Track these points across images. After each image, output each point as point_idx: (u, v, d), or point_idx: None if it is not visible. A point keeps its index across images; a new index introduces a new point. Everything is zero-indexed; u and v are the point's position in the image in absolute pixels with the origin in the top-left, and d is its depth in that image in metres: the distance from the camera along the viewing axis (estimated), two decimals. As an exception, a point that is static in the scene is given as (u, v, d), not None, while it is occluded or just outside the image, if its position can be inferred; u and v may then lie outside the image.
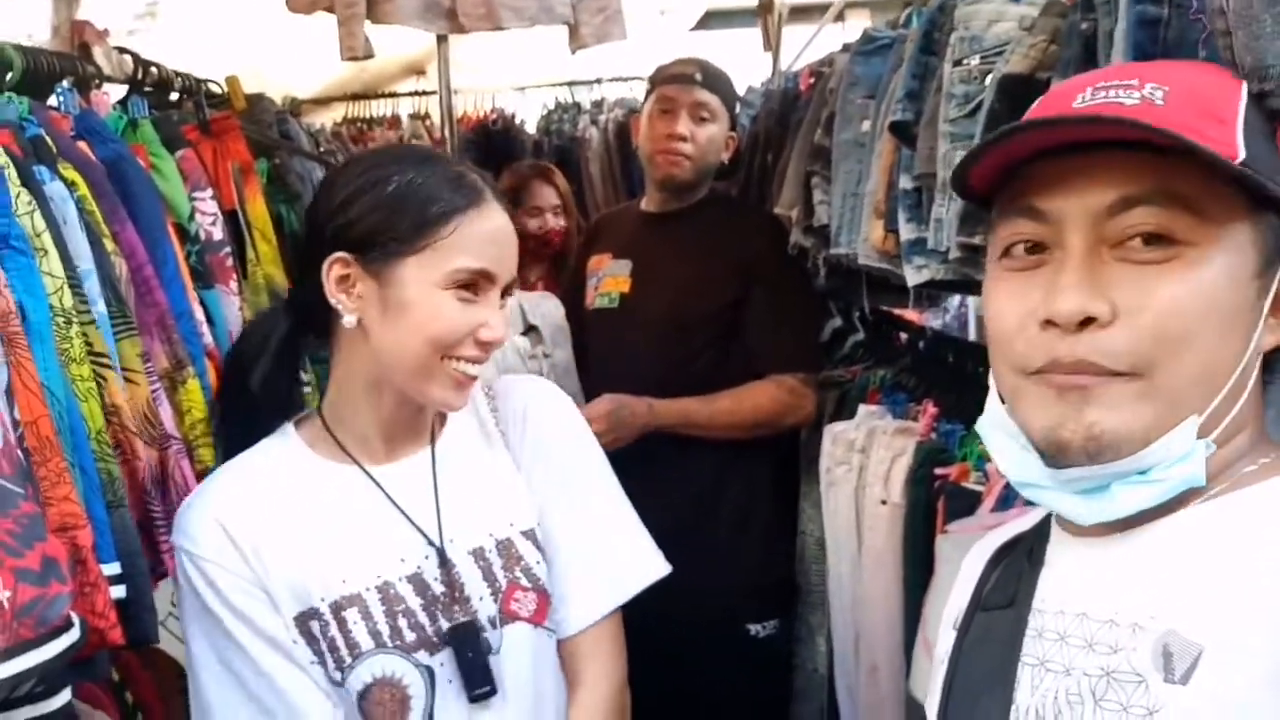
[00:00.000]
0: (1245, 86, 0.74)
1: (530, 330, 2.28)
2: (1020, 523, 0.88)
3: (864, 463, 2.02)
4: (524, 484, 1.19)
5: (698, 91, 2.24)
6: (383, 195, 1.08)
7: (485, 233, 1.10)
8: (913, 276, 1.66)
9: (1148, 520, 0.71)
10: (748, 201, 2.74)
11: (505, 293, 1.14)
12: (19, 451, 0.89)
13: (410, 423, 1.17)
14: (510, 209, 1.17)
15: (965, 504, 1.70)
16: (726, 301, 2.20)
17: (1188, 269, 0.67)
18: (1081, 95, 0.72)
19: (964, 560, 0.92)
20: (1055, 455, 0.70)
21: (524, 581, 1.15)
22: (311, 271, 1.10)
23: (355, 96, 4.39)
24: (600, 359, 2.31)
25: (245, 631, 1.07)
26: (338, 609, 1.09)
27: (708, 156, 2.27)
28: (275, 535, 1.10)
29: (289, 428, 1.18)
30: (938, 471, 1.82)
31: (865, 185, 1.89)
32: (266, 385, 1.15)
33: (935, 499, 1.79)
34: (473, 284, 1.09)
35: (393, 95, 4.44)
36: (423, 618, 1.11)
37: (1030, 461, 0.73)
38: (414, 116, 4.35)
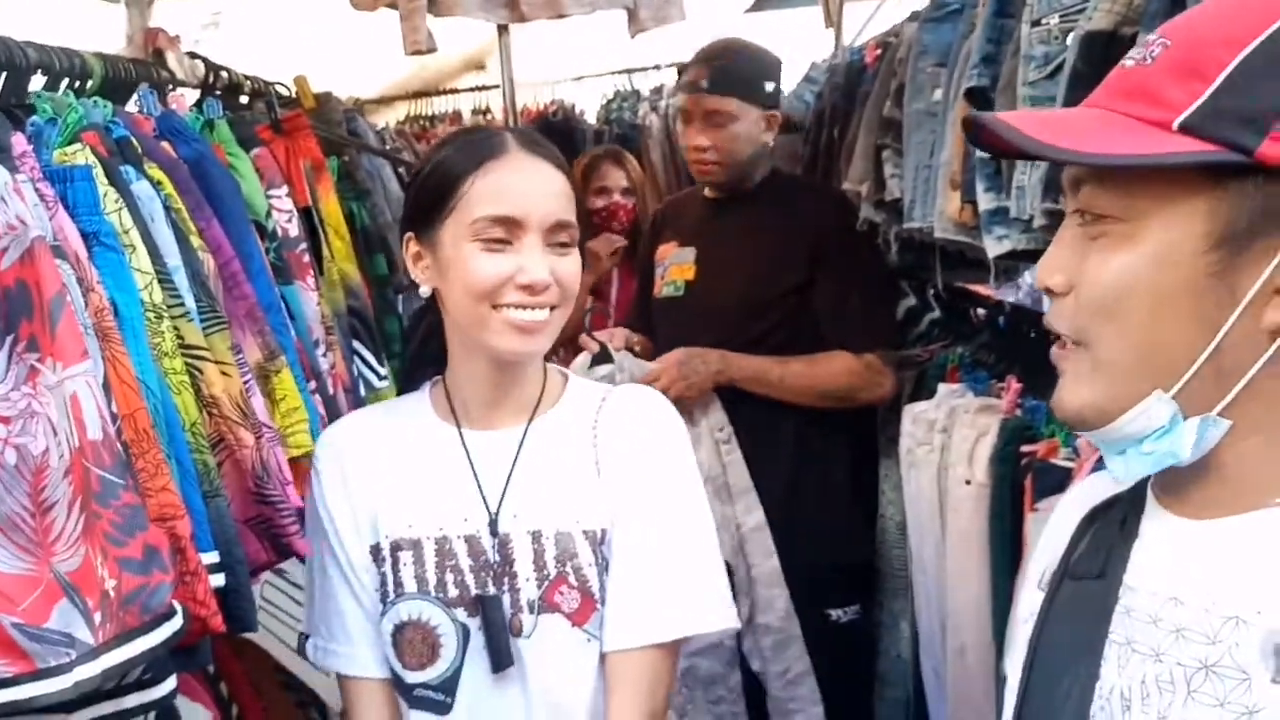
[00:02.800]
0: None
1: None
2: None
3: (946, 443, 1.98)
4: (599, 487, 1.19)
5: (706, 100, 2.22)
6: (426, 172, 1.18)
7: (506, 181, 1.13)
8: (993, 247, 1.61)
9: (1243, 509, 0.69)
10: (813, 179, 2.71)
11: (561, 243, 1.15)
12: (118, 444, 0.91)
13: (505, 391, 1.20)
14: (566, 171, 1.19)
15: (1055, 480, 1.65)
16: (792, 284, 2.17)
17: (1114, 244, 0.68)
18: (1131, 52, 0.72)
19: (1056, 509, 0.89)
20: None
21: (572, 579, 1.16)
22: None
23: (417, 95, 4.43)
24: (668, 347, 2.30)
25: (331, 535, 1.19)
26: (396, 548, 1.16)
27: (736, 155, 2.24)
28: (372, 472, 1.19)
29: (427, 385, 1.27)
30: (1024, 449, 1.77)
31: (939, 156, 1.84)
32: (413, 368, 1.29)
33: (1022, 477, 1.74)
34: (501, 232, 1.12)
35: (453, 91, 4.47)
36: (469, 578, 1.15)
37: None
38: (475, 111, 4.38)
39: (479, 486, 1.18)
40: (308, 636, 1.24)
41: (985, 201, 1.60)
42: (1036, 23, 1.42)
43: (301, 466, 1.26)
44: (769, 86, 2.27)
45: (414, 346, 1.31)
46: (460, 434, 1.20)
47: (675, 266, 2.35)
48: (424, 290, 1.18)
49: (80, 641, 0.87)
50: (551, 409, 1.23)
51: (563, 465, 1.20)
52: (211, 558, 1.03)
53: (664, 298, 2.35)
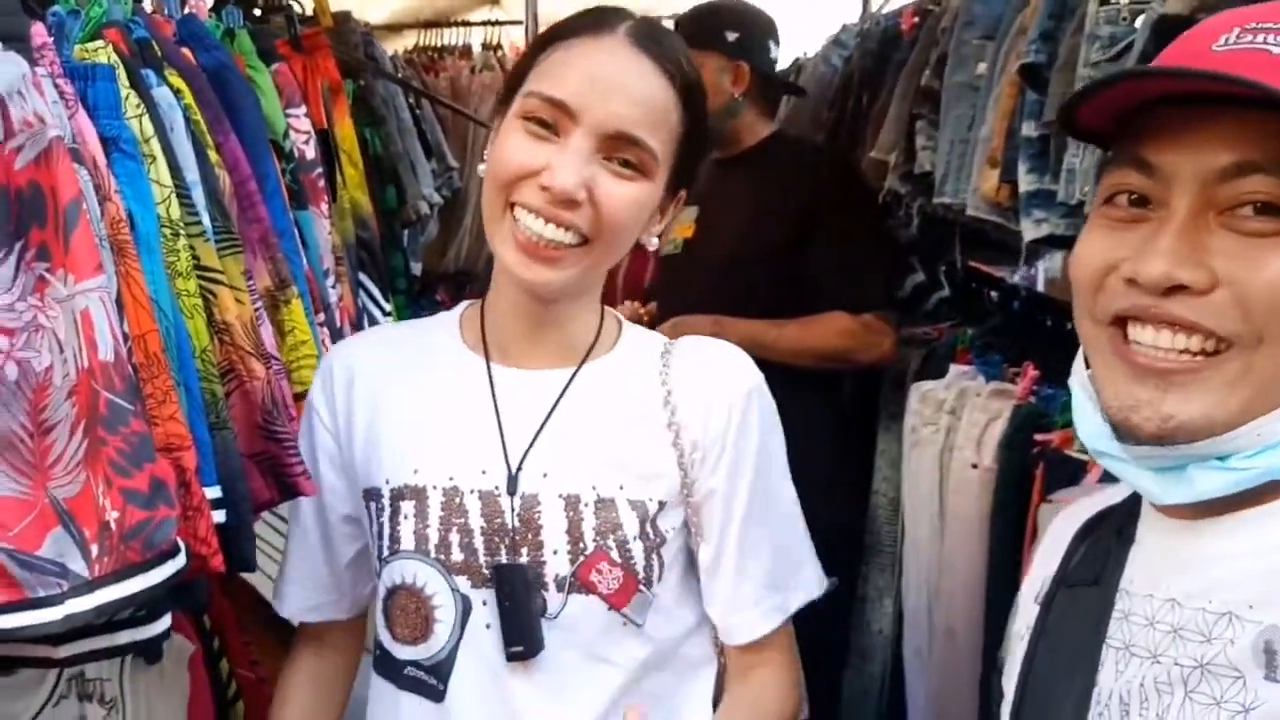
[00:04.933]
0: None
1: None
2: (1111, 494, 0.83)
3: (953, 424, 1.95)
4: (669, 454, 1.02)
5: None
6: (533, 41, 1.01)
7: (582, 63, 0.93)
8: (1030, 230, 1.57)
9: (1246, 505, 0.67)
10: (816, 141, 2.67)
11: (624, 161, 0.94)
12: (129, 367, 0.86)
13: (548, 327, 1.03)
14: (682, 84, 0.97)
15: (1067, 472, 1.63)
16: (780, 241, 2.13)
17: None
18: (1226, 36, 0.66)
19: (1049, 529, 0.88)
20: (1125, 433, 0.67)
21: (615, 555, 0.99)
22: None
23: (428, 24, 4.29)
24: (664, 304, 2.28)
25: (308, 466, 1.07)
26: (397, 497, 1.00)
27: None
28: (377, 404, 1.04)
29: (460, 306, 1.10)
30: (1037, 437, 1.74)
31: (978, 131, 1.79)
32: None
33: (1033, 465, 1.72)
34: (549, 117, 0.93)
35: (466, 24, 4.33)
36: (479, 542, 0.98)
37: (1105, 430, 0.69)
38: (486, 46, 4.25)
39: (501, 434, 1.01)
40: None
41: (1027, 182, 1.56)
42: (1105, 2, 1.36)
43: (303, 404, 1.19)
44: (731, 35, 2.19)
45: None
46: (489, 369, 1.03)
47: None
48: (482, 169, 0.99)
49: (74, 573, 0.82)
50: (606, 355, 1.06)
51: (618, 422, 1.02)
52: (214, 492, 0.97)
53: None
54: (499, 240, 0.95)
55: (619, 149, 0.94)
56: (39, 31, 0.91)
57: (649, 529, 1.01)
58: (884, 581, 2.35)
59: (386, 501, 1.01)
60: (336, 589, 1.10)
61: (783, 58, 3.77)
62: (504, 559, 0.98)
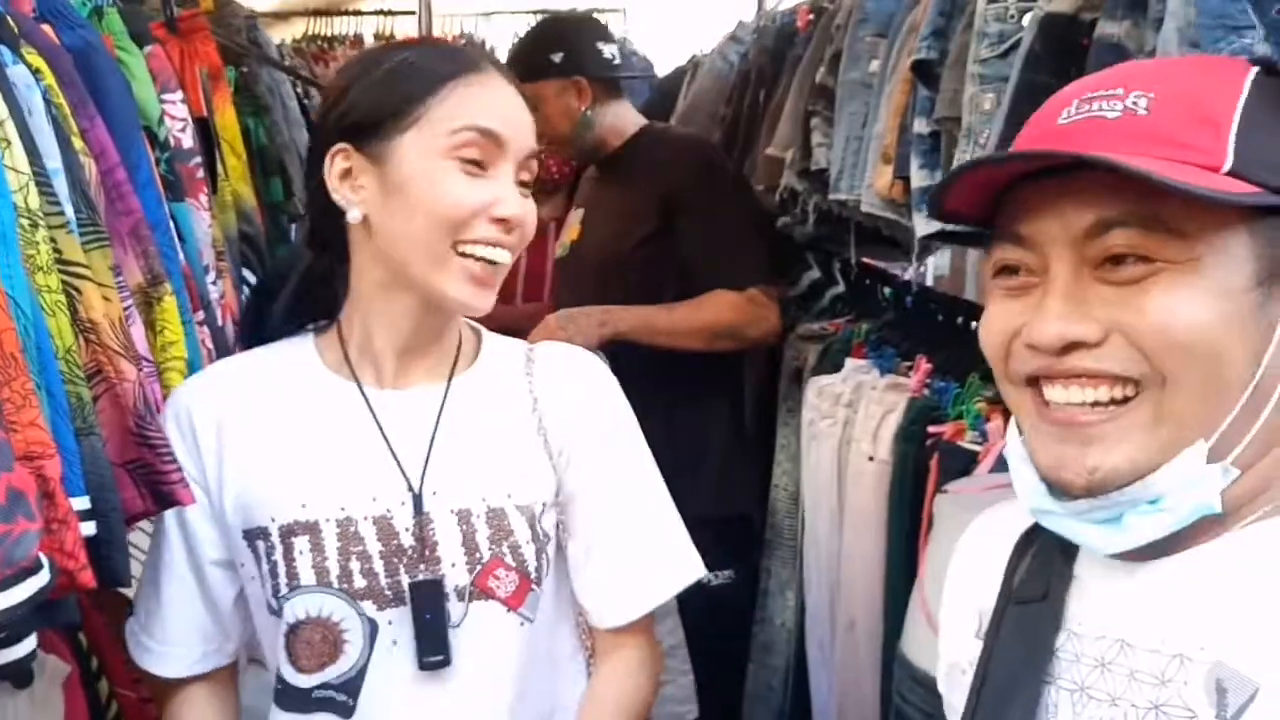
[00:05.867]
0: (1253, 74, 0.69)
1: None
2: (1008, 493, 0.82)
3: (850, 417, 1.98)
4: (542, 457, 1.08)
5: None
6: (378, 75, 1.02)
7: (488, 97, 1.00)
8: (922, 226, 1.59)
9: (1188, 544, 0.69)
10: (675, 129, 2.74)
11: (527, 183, 1.03)
12: (-18, 369, 0.78)
13: (426, 344, 1.06)
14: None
15: (960, 463, 1.66)
16: (644, 235, 2.17)
17: (1173, 282, 0.66)
18: (1067, 110, 0.71)
19: (961, 554, 0.88)
20: (1059, 491, 0.70)
21: (509, 559, 1.04)
22: (317, 174, 1.02)
23: (317, 12, 4.18)
24: (560, 305, 2.28)
25: (174, 524, 1.06)
26: (288, 534, 1.01)
27: (556, 133, 2.25)
28: (244, 441, 1.04)
29: (309, 332, 1.11)
30: (931, 429, 1.77)
31: (872, 128, 1.82)
32: (287, 321, 1.10)
33: (928, 457, 1.75)
34: (480, 153, 0.98)
35: (357, 13, 4.23)
36: (379, 566, 1.01)
37: (1042, 489, 0.72)
38: (378, 36, 4.16)
39: (395, 458, 1.03)
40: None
41: (919, 178, 1.58)
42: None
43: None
44: (557, 57, 2.24)
45: (291, 295, 1.09)
46: (363, 393, 1.05)
47: (567, 228, 2.39)
48: (353, 216, 1.00)
49: (-77, 593, 0.75)
50: (470, 367, 1.09)
51: (495, 431, 1.07)
52: (82, 503, 0.90)
53: (557, 258, 2.40)
54: (446, 275, 0.99)
55: (524, 170, 1.02)
56: (-127, 3, 0.83)
57: (537, 530, 1.06)
58: (786, 575, 2.37)
59: (276, 539, 1.01)
60: (222, 635, 1.09)
61: (680, 54, 3.81)
62: (404, 578, 1.01)
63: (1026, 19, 1.33)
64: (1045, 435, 0.70)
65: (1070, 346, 0.67)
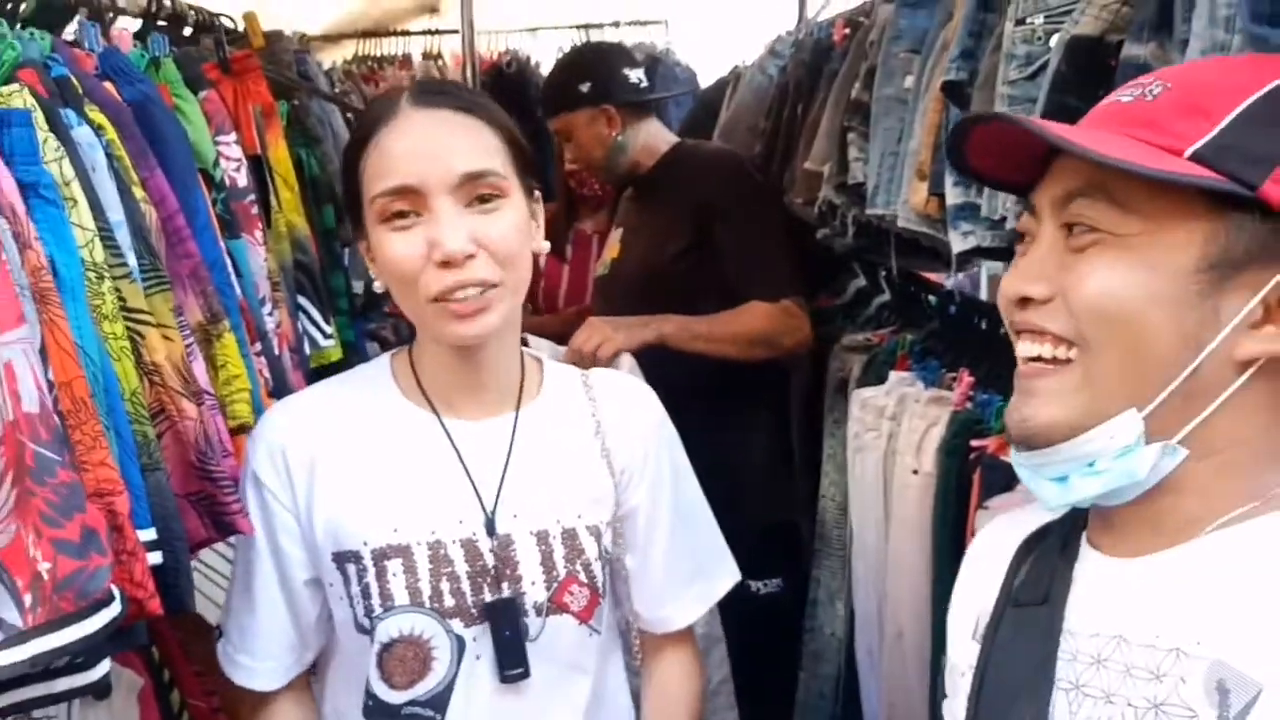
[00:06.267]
0: None
1: None
2: (1035, 507, 0.85)
3: (894, 430, 1.99)
4: (606, 479, 1.15)
5: (550, 125, 2.41)
6: (343, 162, 1.09)
7: (395, 149, 0.99)
8: (958, 243, 1.60)
9: (1178, 540, 0.71)
10: (709, 144, 2.81)
11: (482, 197, 1.00)
12: (55, 417, 0.85)
13: (483, 379, 1.10)
14: (485, 113, 1.04)
15: (1002, 478, 1.66)
16: (679, 249, 2.22)
17: (1107, 255, 0.70)
18: (1109, 97, 0.77)
19: (969, 559, 0.91)
20: (1011, 440, 0.76)
21: (582, 576, 1.11)
22: None
23: (366, 34, 4.27)
24: None
25: (263, 540, 1.10)
26: (381, 557, 1.06)
27: (590, 160, 2.38)
28: (336, 471, 1.08)
29: (385, 359, 1.16)
30: (974, 443, 1.78)
31: (907, 144, 1.83)
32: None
33: (970, 470, 1.75)
34: (403, 205, 0.99)
35: (405, 33, 4.32)
36: (466, 586, 1.07)
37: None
38: (427, 56, 4.24)
39: (473, 484, 1.09)
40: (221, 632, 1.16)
41: (953, 196, 1.59)
42: (1021, 21, 1.40)
43: (239, 440, 1.19)
44: (584, 87, 2.31)
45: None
46: (443, 424, 1.10)
47: (608, 247, 2.46)
48: (378, 286, 1.06)
49: (8, 624, 0.82)
50: (536, 396, 1.15)
51: (563, 456, 1.13)
52: (149, 535, 0.97)
53: (597, 277, 2.47)
54: (432, 326, 1.03)
55: (474, 188, 1.00)
56: (-48, 80, 0.90)
57: (604, 548, 1.14)
58: (835, 584, 2.38)
59: (369, 562, 1.06)
60: (303, 645, 1.15)
61: (723, 64, 3.83)
62: (487, 596, 1.07)
63: (1053, 41, 1.34)
64: (1016, 389, 0.76)
65: (1023, 301, 0.74)
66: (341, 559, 1.08)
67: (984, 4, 1.55)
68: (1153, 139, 0.69)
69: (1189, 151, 0.68)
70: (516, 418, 1.12)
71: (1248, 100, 0.69)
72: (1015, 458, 0.77)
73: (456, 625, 1.07)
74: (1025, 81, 1.38)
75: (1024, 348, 0.75)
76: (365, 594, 1.06)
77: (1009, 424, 0.76)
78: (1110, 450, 0.70)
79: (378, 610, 1.06)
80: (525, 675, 1.08)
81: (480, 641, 1.07)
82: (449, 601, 1.06)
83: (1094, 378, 0.71)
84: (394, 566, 1.05)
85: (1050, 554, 0.80)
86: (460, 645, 1.07)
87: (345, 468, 1.08)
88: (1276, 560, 0.67)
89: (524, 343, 2.05)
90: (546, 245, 1.10)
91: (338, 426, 1.10)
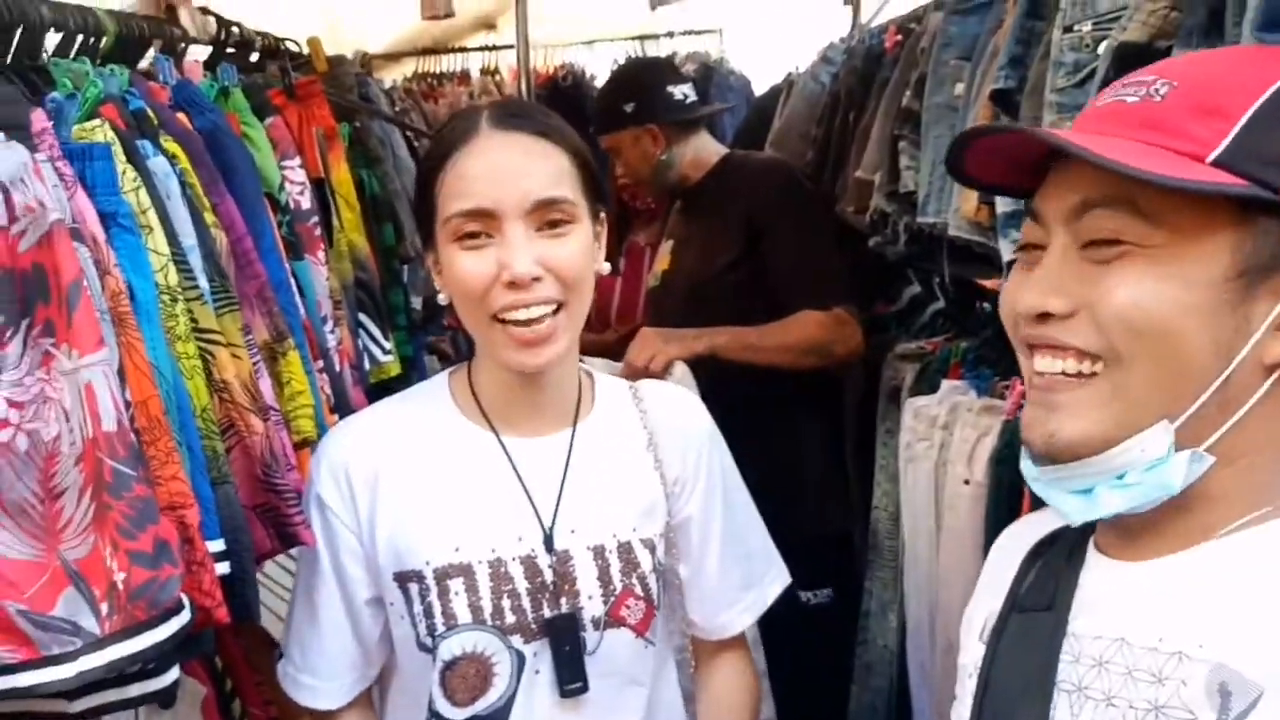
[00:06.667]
0: None
1: None
2: (1053, 517, 0.85)
3: (946, 439, 1.98)
4: (659, 490, 1.16)
5: (602, 143, 2.44)
6: (419, 175, 1.10)
7: (472, 171, 1.02)
8: (1007, 250, 1.60)
9: (1190, 544, 0.71)
10: (757, 154, 2.79)
11: (553, 222, 1.03)
12: (132, 435, 0.90)
13: (542, 396, 1.12)
14: (561, 139, 1.06)
15: (1055, 487, 1.65)
16: (730, 260, 2.24)
17: (1136, 267, 0.68)
18: (1105, 96, 0.74)
19: (987, 562, 0.91)
20: (1030, 454, 0.74)
21: (638, 590, 1.12)
22: None
23: (426, 51, 4.36)
24: None
25: (326, 560, 1.11)
26: (444, 576, 1.07)
27: (638, 177, 2.43)
28: (397, 491, 1.09)
29: (443, 378, 1.17)
30: (1026, 452, 1.77)
31: (958, 153, 1.83)
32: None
33: (1022, 481, 1.74)
34: (477, 226, 1.01)
35: (463, 50, 4.40)
36: (526, 602, 1.08)
37: (1026, 455, 0.76)
38: (484, 72, 4.31)
39: (531, 501, 1.10)
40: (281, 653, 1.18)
41: (1003, 203, 1.59)
42: (1069, 29, 1.39)
43: (303, 454, 1.25)
44: (629, 107, 2.35)
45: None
46: (501, 442, 1.11)
47: (659, 259, 2.49)
48: (441, 299, 1.09)
49: (86, 631, 0.87)
50: (591, 412, 1.17)
51: (617, 470, 1.15)
52: (217, 546, 1.02)
53: (649, 289, 2.50)
54: (494, 347, 1.05)
55: (546, 214, 1.02)
56: (38, 118, 0.96)
57: (658, 560, 1.15)
58: (888, 596, 2.37)
59: (431, 582, 1.07)
60: (366, 663, 1.17)
61: (778, 71, 3.84)
62: (546, 612, 1.08)
63: (1101, 48, 1.34)
64: (1030, 400, 0.75)
65: (1043, 316, 0.72)
66: (404, 578, 1.09)
67: (1033, 11, 1.55)
68: (1170, 144, 0.68)
69: (1211, 158, 0.67)
70: (573, 434, 1.13)
71: (1260, 100, 0.67)
72: (1030, 472, 0.76)
73: (516, 641, 1.08)
74: (1074, 89, 1.38)
75: (1043, 363, 0.73)
76: (428, 613, 1.07)
77: (1030, 439, 0.73)
78: (1141, 462, 0.69)
79: (440, 629, 1.07)
80: (584, 689, 1.08)
81: (540, 656, 1.09)
82: (510, 618, 1.07)
83: (1124, 390, 0.69)
84: (456, 585, 1.06)
85: (1057, 559, 0.80)
86: (520, 660, 1.08)
87: (407, 487, 1.10)
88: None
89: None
90: (607, 267, 1.12)
91: (399, 445, 1.11)
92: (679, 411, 1.22)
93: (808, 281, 2.19)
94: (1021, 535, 0.88)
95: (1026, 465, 0.76)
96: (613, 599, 1.10)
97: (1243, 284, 0.67)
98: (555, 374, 1.11)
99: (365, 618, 1.13)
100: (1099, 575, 0.76)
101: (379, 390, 1.66)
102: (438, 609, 1.07)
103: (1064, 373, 0.72)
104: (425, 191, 1.06)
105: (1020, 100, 1.53)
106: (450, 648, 1.07)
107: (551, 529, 1.10)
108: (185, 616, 0.89)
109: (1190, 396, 0.68)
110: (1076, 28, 1.40)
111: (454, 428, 1.13)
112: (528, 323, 1.02)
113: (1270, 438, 0.70)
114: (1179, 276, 0.67)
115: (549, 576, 1.08)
